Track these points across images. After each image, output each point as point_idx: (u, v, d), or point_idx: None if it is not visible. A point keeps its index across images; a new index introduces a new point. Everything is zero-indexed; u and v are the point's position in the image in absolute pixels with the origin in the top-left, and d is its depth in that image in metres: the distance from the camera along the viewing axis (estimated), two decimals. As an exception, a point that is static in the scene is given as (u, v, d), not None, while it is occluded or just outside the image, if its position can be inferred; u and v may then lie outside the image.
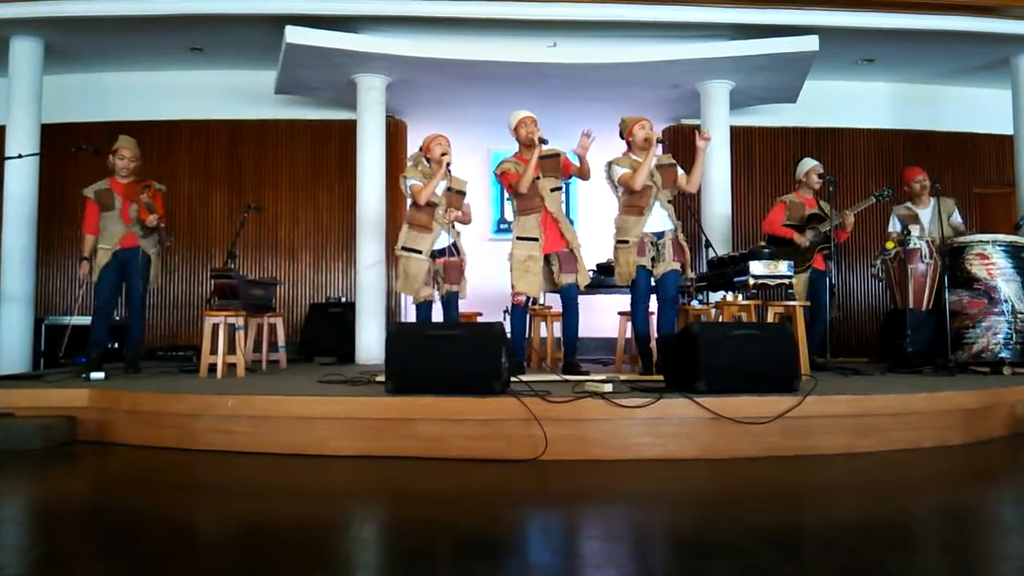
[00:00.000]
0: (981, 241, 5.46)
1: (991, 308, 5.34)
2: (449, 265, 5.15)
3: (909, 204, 6.08)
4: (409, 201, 5.17)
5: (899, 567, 2.06)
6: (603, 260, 6.17)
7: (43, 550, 2.25)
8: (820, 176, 5.73)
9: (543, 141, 4.94)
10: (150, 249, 5.54)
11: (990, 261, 5.38)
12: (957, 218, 6.04)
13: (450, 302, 5.19)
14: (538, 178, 4.98)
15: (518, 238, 5.00)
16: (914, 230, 5.79)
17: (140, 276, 5.44)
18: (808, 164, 5.91)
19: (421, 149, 5.21)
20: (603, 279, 6.17)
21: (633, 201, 4.94)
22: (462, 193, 5.27)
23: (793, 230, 5.75)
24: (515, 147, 5.18)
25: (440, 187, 5.08)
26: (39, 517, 2.76)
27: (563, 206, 5.22)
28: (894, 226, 6.02)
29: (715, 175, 7.26)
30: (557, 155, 5.13)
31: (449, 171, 5.06)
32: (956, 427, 3.88)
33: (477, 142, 8.35)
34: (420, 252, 5.05)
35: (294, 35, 6.47)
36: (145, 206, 5.39)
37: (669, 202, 5.00)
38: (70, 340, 6.04)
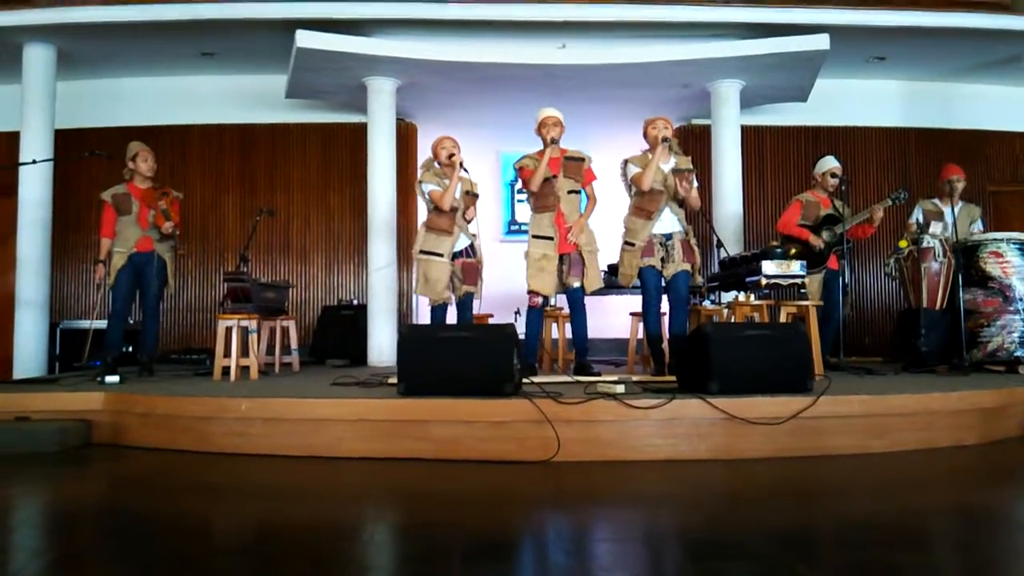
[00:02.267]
0: (995, 239, 5.41)
1: (1006, 307, 5.29)
2: (467, 266, 5.17)
3: (937, 200, 5.99)
4: (429, 206, 5.16)
5: (914, 568, 2.05)
6: (614, 261, 6.15)
7: (58, 553, 2.26)
8: (833, 176, 5.69)
9: (554, 141, 4.95)
10: (165, 253, 5.58)
11: (1005, 259, 5.34)
12: (979, 227, 5.95)
13: (466, 303, 5.21)
14: (555, 177, 4.98)
15: (533, 236, 5.01)
16: (936, 227, 5.72)
17: (155, 279, 5.47)
18: (827, 164, 5.81)
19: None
20: (613, 280, 6.15)
21: (643, 204, 4.93)
22: (476, 195, 5.30)
23: (808, 231, 5.69)
24: (524, 148, 5.20)
25: (458, 190, 5.09)
26: (54, 520, 2.77)
27: (579, 209, 5.18)
28: (917, 216, 5.93)
29: (726, 175, 7.24)
30: (582, 159, 5.13)
31: (466, 170, 5.09)
32: (971, 427, 3.85)
33: (487, 144, 8.36)
34: (442, 255, 5.05)
35: (305, 39, 6.50)
36: (162, 213, 5.43)
37: (680, 205, 4.98)
38: (87, 344, 6.07)
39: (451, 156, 5.06)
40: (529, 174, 4.98)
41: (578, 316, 5.06)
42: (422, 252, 5.09)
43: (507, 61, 6.84)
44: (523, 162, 5.08)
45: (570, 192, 5.04)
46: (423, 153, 8.09)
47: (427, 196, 5.11)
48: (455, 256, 5.13)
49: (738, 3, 6.69)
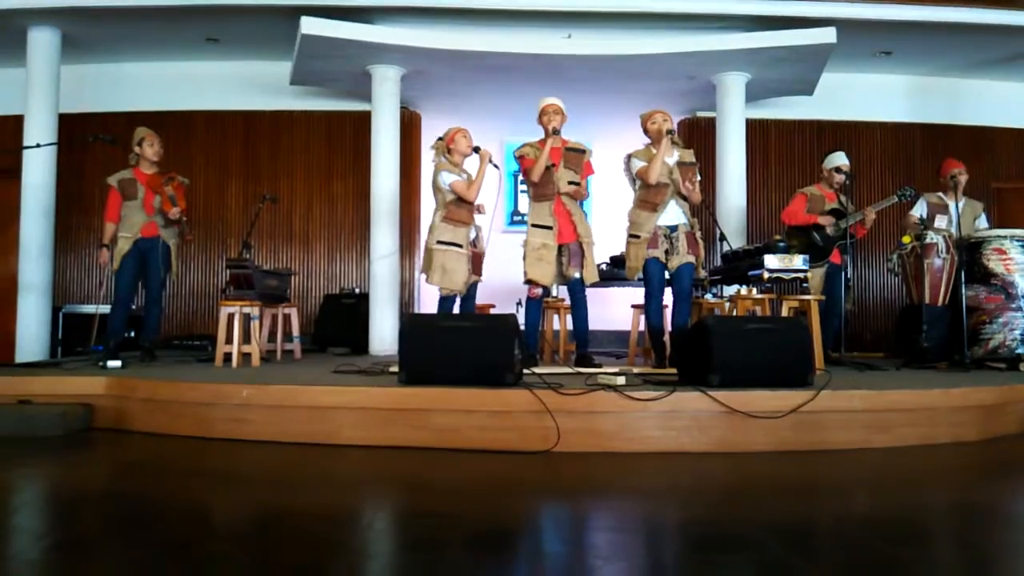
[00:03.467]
0: (999, 236, 5.40)
1: (1008, 304, 5.29)
2: (474, 256, 5.18)
3: (941, 194, 5.96)
4: (448, 197, 5.11)
5: (913, 562, 2.06)
6: (617, 253, 6.15)
7: (59, 536, 2.27)
8: (839, 172, 5.67)
9: (556, 131, 4.94)
10: (170, 239, 5.58)
11: (1007, 256, 5.33)
12: (983, 223, 5.93)
13: (471, 293, 5.22)
14: (555, 167, 4.97)
15: (533, 225, 5.00)
16: (941, 221, 5.69)
17: (160, 266, 5.47)
18: (836, 160, 5.77)
19: (441, 139, 5.20)
20: (617, 272, 6.16)
21: (648, 197, 4.92)
22: None
23: (816, 216, 5.67)
24: (528, 137, 5.19)
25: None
26: (56, 503, 2.79)
27: (578, 202, 5.18)
28: (920, 210, 5.90)
29: (730, 168, 7.22)
30: (583, 152, 5.12)
31: (496, 166, 5.09)
32: (971, 423, 3.85)
33: (491, 134, 8.30)
34: (461, 246, 5.05)
35: (309, 26, 6.48)
36: (169, 199, 5.43)
37: (684, 199, 4.96)
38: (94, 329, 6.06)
39: (478, 148, 5.06)
40: (530, 163, 4.97)
41: (579, 307, 5.06)
42: (440, 243, 5.07)
43: (512, 51, 6.82)
44: (523, 150, 5.06)
45: (569, 183, 5.03)
46: (427, 142, 8.09)
47: (448, 188, 5.08)
48: None
49: (745, -5, 6.67)
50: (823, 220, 5.64)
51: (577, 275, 5.00)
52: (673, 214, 4.94)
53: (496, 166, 5.15)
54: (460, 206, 5.07)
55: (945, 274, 5.46)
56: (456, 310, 5.22)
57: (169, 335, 7.40)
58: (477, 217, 5.29)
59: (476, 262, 5.22)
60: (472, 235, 5.20)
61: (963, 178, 5.76)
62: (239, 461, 3.42)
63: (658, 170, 4.82)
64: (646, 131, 5.03)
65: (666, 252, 4.90)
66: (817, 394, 3.59)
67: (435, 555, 2.10)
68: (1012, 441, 3.94)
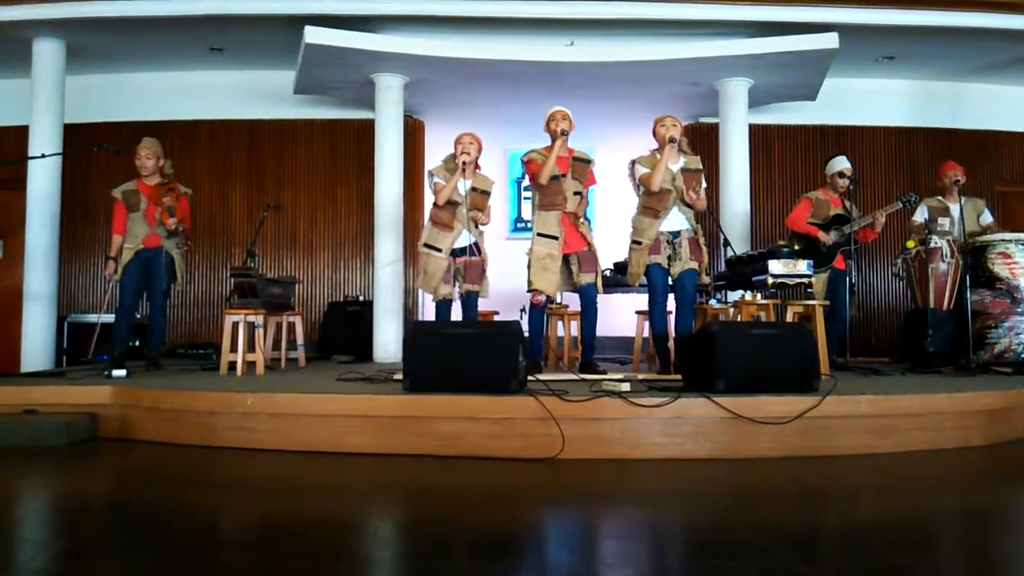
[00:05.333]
0: (1003, 240, 5.39)
1: (1013, 308, 5.28)
2: (469, 264, 5.16)
3: (940, 197, 5.96)
4: (434, 198, 5.19)
5: (920, 568, 2.05)
6: (620, 259, 6.15)
7: (65, 545, 2.27)
8: (843, 177, 5.66)
9: (563, 133, 4.93)
10: (173, 250, 5.58)
11: (1013, 260, 5.32)
12: (988, 217, 5.92)
13: (469, 301, 5.20)
14: (564, 176, 4.97)
15: (539, 234, 4.97)
16: (943, 223, 5.69)
17: (163, 275, 5.48)
18: (838, 164, 5.76)
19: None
20: (620, 278, 6.15)
21: (651, 203, 4.92)
22: (486, 193, 5.28)
23: (817, 228, 5.67)
24: (531, 145, 5.19)
25: (464, 186, 5.09)
26: (61, 513, 2.79)
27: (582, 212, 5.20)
28: (921, 215, 5.90)
29: (734, 174, 7.22)
30: (588, 162, 5.12)
31: (464, 169, 5.08)
32: (977, 428, 3.84)
33: (494, 141, 8.32)
34: (440, 250, 5.07)
35: (313, 35, 6.50)
36: (167, 210, 5.43)
37: (688, 205, 4.96)
38: (96, 338, 6.07)
39: (463, 153, 5.08)
40: (537, 167, 4.95)
41: (589, 314, 5.03)
42: (425, 245, 5.13)
43: (515, 58, 6.83)
44: (531, 155, 5.04)
45: (575, 193, 5.03)
46: (430, 149, 8.15)
47: (432, 187, 5.16)
48: (459, 253, 5.13)
49: (747, 1, 6.66)
50: (821, 237, 5.61)
51: (590, 280, 4.99)
52: (676, 220, 4.94)
53: (464, 170, 5.11)
54: (440, 209, 5.12)
55: (950, 278, 5.45)
56: (457, 317, 5.23)
57: (174, 344, 7.42)
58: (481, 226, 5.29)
59: (474, 270, 5.19)
60: (469, 241, 5.18)
61: (961, 180, 5.76)
62: (244, 469, 3.42)
63: (660, 177, 4.82)
64: (656, 135, 5.02)
65: (669, 258, 4.90)
66: (822, 399, 3.59)
67: (440, 563, 2.09)
68: (1018, 446, 3.92)
